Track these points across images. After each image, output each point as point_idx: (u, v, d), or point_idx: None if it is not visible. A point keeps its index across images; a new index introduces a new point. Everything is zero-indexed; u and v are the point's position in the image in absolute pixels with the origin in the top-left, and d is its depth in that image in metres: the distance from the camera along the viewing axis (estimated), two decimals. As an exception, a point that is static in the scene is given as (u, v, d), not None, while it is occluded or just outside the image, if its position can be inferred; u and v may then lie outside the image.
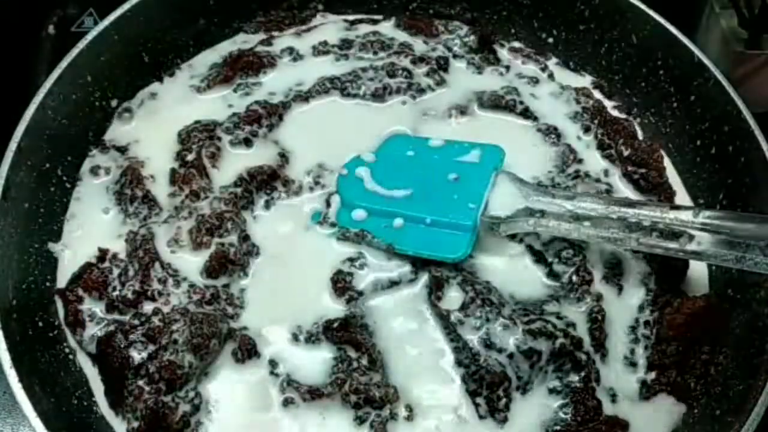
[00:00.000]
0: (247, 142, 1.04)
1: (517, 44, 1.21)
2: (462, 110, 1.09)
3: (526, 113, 1.09)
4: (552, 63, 1.20)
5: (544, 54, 1.21)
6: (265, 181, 1.01)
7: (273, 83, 1.11)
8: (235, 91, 1.10)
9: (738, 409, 0.87)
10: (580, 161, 1.06)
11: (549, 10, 1.20)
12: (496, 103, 1.09)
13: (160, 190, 1.01)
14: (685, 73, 1.09)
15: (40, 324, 0.92)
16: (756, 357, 0.91)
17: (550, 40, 1.21)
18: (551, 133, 1.08)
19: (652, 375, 0.93)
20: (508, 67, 1.16)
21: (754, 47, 1.18)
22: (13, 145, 0.93)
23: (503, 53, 1.19)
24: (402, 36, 1.17)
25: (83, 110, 1.04)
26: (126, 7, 1.07)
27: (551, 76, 1.17)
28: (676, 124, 1.12)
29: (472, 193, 0.97)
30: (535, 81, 1.14)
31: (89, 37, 1.03)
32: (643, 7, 1.11)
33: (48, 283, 0.96)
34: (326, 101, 1.09)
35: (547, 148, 1.07)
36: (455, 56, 1.16)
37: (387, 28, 1.19)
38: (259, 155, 1.03)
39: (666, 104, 1.13)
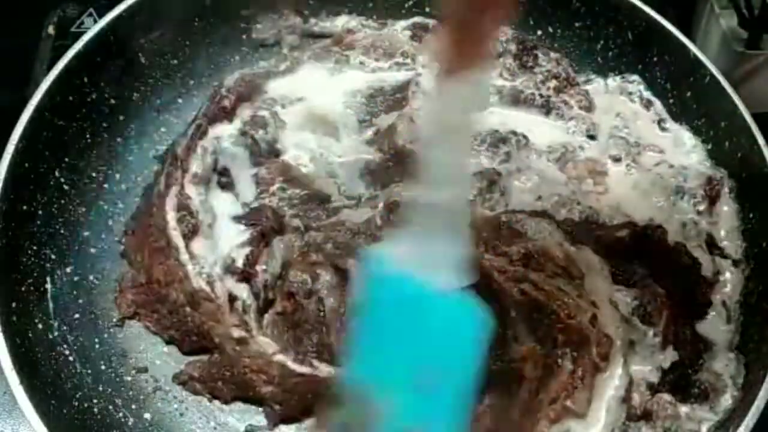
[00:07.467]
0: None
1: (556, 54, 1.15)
2: None
3: (546, 106, 1.08)
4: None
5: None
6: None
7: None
8: None
9: (738, 402, 0.88)
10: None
11: (544, 7, 1.19)
12: (516, 97, 1.08)
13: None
14: (681, 70, 1.10)
15: (40, 326, 0.93)
16: (755, 351, 0.91)
17: (545, 37, 1.21)
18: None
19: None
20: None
21: (754, 47, 1.17)
22: (10, 148, 0.93)
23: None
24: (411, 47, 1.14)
25: (80, 112, 1.04)
26: (121, 8, 1.07)
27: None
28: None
29: None
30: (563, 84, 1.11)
31: (85, 38, 1.03)
32: (637, 2, 1.11)
33: (46, 285, 0.96)
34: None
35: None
36: None
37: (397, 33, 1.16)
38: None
39: (662, 101, 1.13)
